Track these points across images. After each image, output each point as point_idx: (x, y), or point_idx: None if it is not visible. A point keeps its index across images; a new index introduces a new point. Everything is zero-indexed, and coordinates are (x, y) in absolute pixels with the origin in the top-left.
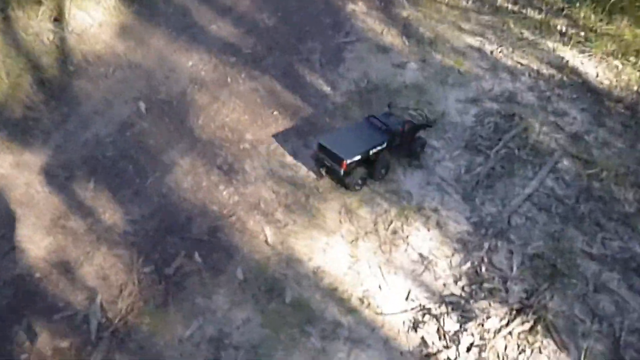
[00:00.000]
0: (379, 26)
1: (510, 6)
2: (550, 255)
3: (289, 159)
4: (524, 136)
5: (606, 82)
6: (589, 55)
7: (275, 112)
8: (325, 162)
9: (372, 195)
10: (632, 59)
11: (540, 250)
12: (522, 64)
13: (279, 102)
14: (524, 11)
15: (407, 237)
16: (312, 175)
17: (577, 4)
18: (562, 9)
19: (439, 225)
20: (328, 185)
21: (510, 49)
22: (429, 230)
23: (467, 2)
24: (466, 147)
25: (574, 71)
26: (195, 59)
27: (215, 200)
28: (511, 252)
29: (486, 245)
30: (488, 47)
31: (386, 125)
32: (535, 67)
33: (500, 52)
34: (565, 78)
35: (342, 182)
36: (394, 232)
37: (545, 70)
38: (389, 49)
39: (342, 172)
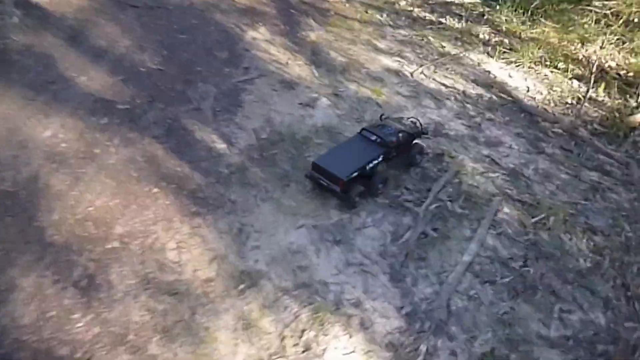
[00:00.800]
0: (283, 55)
1: (427, 15)
2: (503, 350)
3: (171, 255)
4: (456, 181)
5: (538, 96)
6: (517, 66)
7: (154, 190)
8: (322, 181)
9: (278, 294)
10: (561, 65)
11: (490, 346)
12: (446, 86)
13: (161, 173)
14: (442, 20)
15: (324, 351)
16: (201, 274)
17: (498, 7)
18: (483, 14)
19: (363, 326)
20: (221, 287)
21: (432, 68)
22: (350, 336)
23: (382, 16)
24: (390, 205)
25: (503, 87)
26: (55, 126)
27: (66, 338)
28: (455, 354)
29: (423, 348)
30: (407, 69)
31: (380, 138)
32: (461, 88)
33: (421, 72)
34: (494, 97)
35: (341, 200)
36: (307, 348)
37: (472, 89)
38: (296, 84)
39: (339, 190)
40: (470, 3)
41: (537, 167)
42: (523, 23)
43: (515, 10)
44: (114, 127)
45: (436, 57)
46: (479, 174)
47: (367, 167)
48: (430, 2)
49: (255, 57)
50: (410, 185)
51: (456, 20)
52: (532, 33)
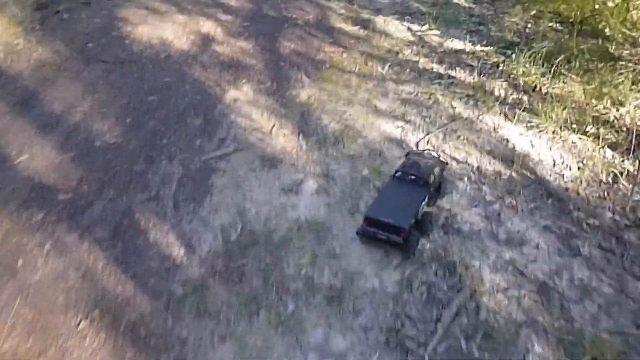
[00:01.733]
0: (267, 121)
1: (435, 67)
2: None
3: None
4: (472, 308)
5: (567, 173)
6: (539, 131)
7: (83, 324)
8: (378, 235)
9: None
10: (591, 129)
11: None
12: (458, 160)
13: (96, 296)
14: (452, 74)
15: None
16: None
17: (514, 57)
18: (498, 65)
19: None
20: None
21: (441, 136)
22: None
23: (384, 68)
24: (388, 343)
25: (525, 162)
26: None
27: None
28: None
29: None
30: (412, 137)
31: (419, 176)
32: (475, 163)
33: (428, 142)
34: (515, 175)
35: (403, 249)
36: None
37: (489, 164)
38: (279, 160)
39: (402, 240)
40: (482, 52)
41: (572, 276)
42: (543, 75)
43: (534, 62)
44: (49, 227)
45: (445, 121)
46: (500, 290)
47: (420, 211)
48: (438, 50)
49: (234, 124)
50: (414, 311)
51: (467, 72)
52: (554, 88)
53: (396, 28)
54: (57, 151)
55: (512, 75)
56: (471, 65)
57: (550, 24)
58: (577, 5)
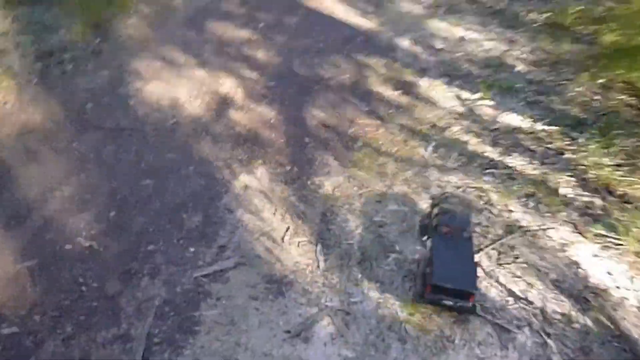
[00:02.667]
0: (281, 221)
1: (487, 151)
2: None
3: None
4: None
5: None
6: (618, 253)
7: None
8: (445, 301)
9: None
10: None
11: None
12: (516, 296)
13: None
14: (508, 160)
15: None
16: None
17: (581, 141)
18: (562, 152)
19: None
20: None
21: (495, 255)
22: None
23: (426, 149)
24: None
25: (603, 303)
26: None
27: None
28: None
29: None
30: None
31: (460, 228)
32: (538, 302)
33: (477, 264)
34: (590, 323)
35: (470, 312)
36: None
37: (556, 305)
38: (289, 284)
39: (471, 305)
40: (544, 131)
41: None
42: (618, 168)
43: (607, 148)
44: None
45: (500, 232)
46: None
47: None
48: (491, 127)
49: (239, 224)
50: None
51: (527, 159)
52: (633, 188)
53: (443, 94)
54: (18, 256)
55: (580, 167)
56: (531, 150)
57: (622, 97)
58: None
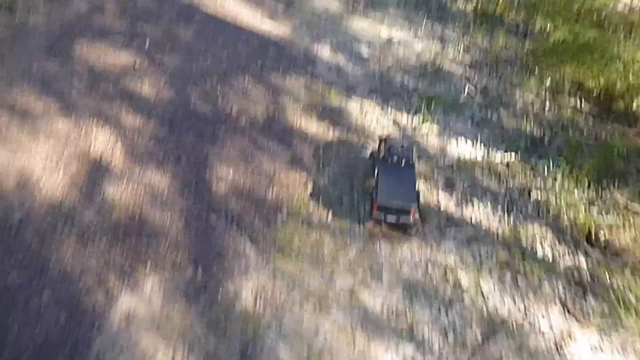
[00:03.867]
0: None
1: (443, 202)
2: None
3: None
4: None
5: None
6: (621, 342)
7: None
8: (388, 219)
9: None
10: None
11: None
12: None
13: None
14: (468, 214)
15: None
16: None
17: (545, 169)
18: (529, 190)
19: None
20: None
21: None
22: None
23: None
24: None
25: None
26: None
27: None
28: None
29: None
30: None
31: (402, 158)
32: None
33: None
34: None
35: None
36: None
37: None
38: None
39: (411, 219)
40: (502, 163)
41: None
42: (592, 203)
43: (575, 177)
44: None
45: (479, 335)
46: None
47: (417, 190)
48: (441, 163)
49: None
50: None
51: (490, 209)
52: (619, 232)
53: (377, 120)
54: None
55: (552, 209)
56: (492, 194)
57: (574, 100)
58: (601, 71)
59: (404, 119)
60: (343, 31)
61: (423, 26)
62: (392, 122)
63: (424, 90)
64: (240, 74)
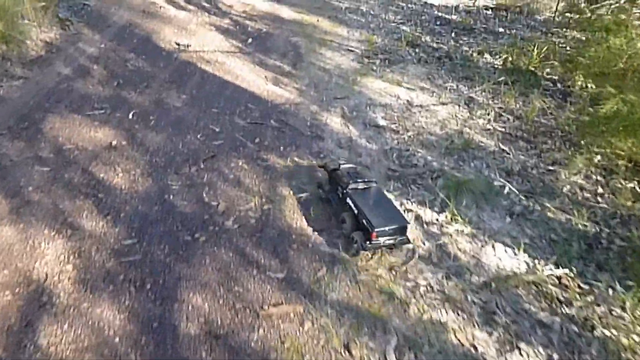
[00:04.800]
0: None
1: (479, 344)
2: None
3: None
4: None
5: None
6: None
7: None
8: (386, 242)
9: None
10: None
11: None
12: None
13: None
14: None
15: None
16: None
17: (605, 287)
18: (592, 328)
19: None
20: None
21: None
22: None
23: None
24: None
25: None
26: None
27: None
28: None
29: None
30: None
31: (368, 181)
32: None
33: None
34: None
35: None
36: None
37: None
38: None
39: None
40: (550, 281)
41: None
42: None
43: None
44: None
45: None
46: None
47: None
48: (475, 281)
49: None
50: None
51: (543, 351)
52: None
53: None
54: None
55: (624, 355)
56: (544, 329)
57: (630, 184)
58: None
59: (428, 214)
60: (356, 93)
61: (446, 85)
62: (412, 218)
63: (451, 172)
64: (233, 155)
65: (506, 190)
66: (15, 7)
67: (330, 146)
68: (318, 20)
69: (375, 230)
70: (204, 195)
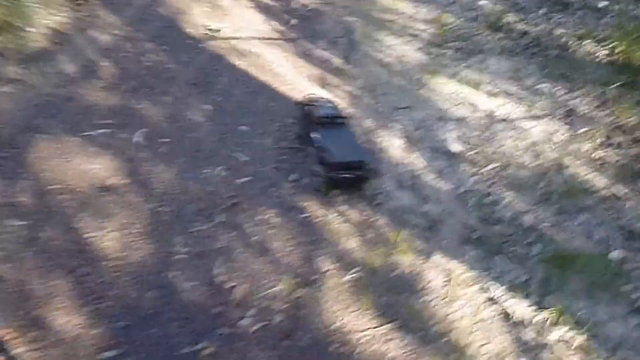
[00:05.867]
0: None
1: None
2: None
3: None
4: None
5: None
6: None
7: None
8: (343, 176)
9: None
10: None
11: None
12: None
13: None
14: None
15: None
16: None
17: None
18: None
19: None
20: None
21: None
22: None
23: None
24: None
25: None
26: None
27: None
28: None
29: None
30: None
31: (338, 117)
32: None
33: None
34: None
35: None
36: None
37: None
38: None
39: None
40: None
41: None
42: None
43: None
44: None
45: None
46: None
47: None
48: None
49: None
50: None
51: None
52: None
53: (475, 315)
54: None
55: None
56: None
57: None
58: None
59: (521, 308)
60: (423, 100)
61: (538, 86)
62: (497, 315)
63: (550, 234)
64: (261, 202)
65: (628, 266)
66: None
67: (389, 186)
68: None
69: (335, 161)
70: (215, 271)
